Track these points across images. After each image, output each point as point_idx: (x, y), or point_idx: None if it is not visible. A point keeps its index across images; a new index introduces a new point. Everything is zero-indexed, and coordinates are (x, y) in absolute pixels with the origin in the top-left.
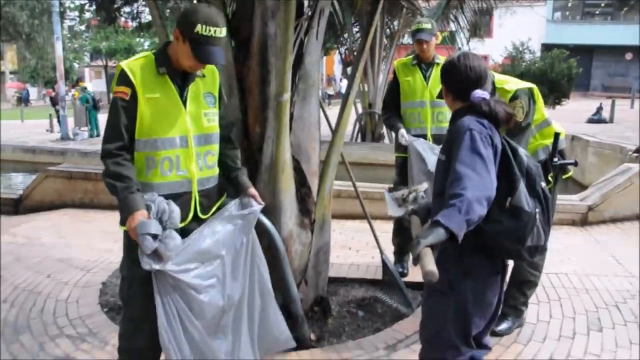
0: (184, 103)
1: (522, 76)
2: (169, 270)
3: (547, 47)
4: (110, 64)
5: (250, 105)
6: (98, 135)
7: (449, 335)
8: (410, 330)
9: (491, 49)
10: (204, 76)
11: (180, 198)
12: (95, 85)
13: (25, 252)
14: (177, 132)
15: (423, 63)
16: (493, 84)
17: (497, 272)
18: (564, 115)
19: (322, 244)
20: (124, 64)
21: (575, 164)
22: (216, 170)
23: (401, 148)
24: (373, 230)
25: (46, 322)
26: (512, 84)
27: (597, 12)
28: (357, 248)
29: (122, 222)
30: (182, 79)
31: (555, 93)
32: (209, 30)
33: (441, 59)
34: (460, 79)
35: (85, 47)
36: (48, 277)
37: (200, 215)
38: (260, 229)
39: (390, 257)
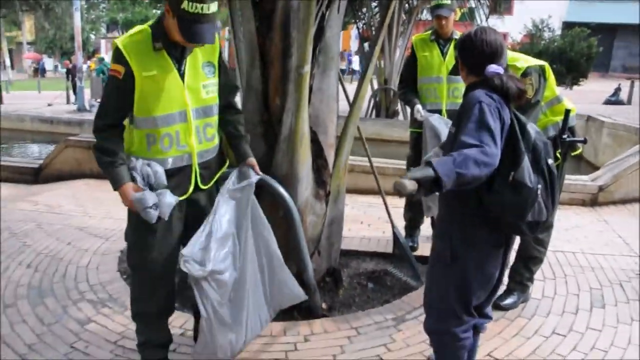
0: (182, 77)
1: (540, 55)
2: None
3: (568, 26)
4: None
5: (271, 77)
6: None
7: (451, 304)
8: (418, 302)
9: (511, 27)
10: (203, 44)
11: (182, 171)
12: (111, 57)
13: (46, 219)
14: (176, 108)
15: (441, 39)
16: None
17: (499, 245)
18: (581, 96)
19: (335, 216)
20: (119, 42)
21: (585, 141)
22: (216, 142)
23: (416, 123)
24: (386, 205)
25: (68, 287)
26: (523, 61)
27: None
28: (368, 222)
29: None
30: (181, 51)
31: (573, 73)
32: (195, 7)
33: (459, 35)
34: (476, 53)
35: (102, 18)
36: (69, 244)
37: (200, 186)
38: (276, 198)
39: (402, 232)
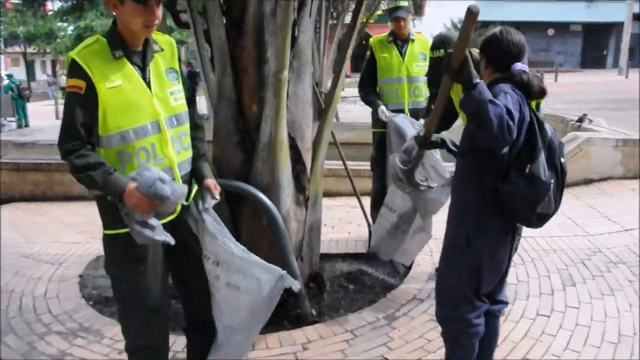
0: (148, 85)
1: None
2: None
3: (480, 24)
4: (29, 50)
5: (245, 84)
6: (27, 126)
7: (464, 289)
8: (404, 299)
9: (422, 27)
10: (162, 50)
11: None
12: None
13: None
14: (147, 119)
15: (399, 40)
16: (478, 63)
17: (508, 232)
18: None
19: (314, 221)
20: (75, 54)
21: None
22: (191, 151)
23: (379, 123)
24: (361, 205)
25: (29, 321)
26: None
27: None
28: (331, 225)
29: (107, 226)
30: (142, 58)
31: None
32: None
33: (416, 36)
34: (503, 53)
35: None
36: (16, 274)
37: (184, 202)
38: (259, 208)
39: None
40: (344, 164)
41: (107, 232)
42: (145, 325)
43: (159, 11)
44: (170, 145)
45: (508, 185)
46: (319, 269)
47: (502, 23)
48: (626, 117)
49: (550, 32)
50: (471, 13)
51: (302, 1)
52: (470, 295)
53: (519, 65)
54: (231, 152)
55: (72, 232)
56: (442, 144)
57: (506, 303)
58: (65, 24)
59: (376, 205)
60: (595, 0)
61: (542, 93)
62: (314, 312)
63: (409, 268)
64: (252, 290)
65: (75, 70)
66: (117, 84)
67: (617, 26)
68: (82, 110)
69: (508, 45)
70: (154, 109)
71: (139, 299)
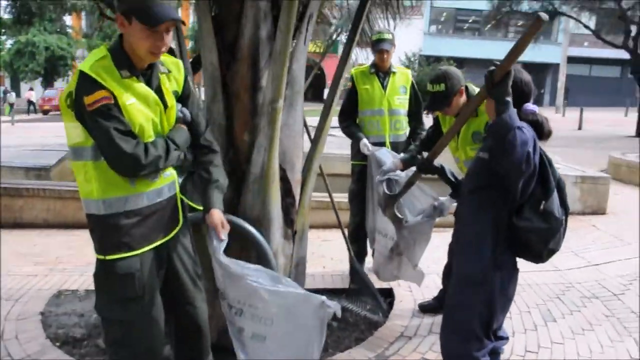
0: (163, 103)
1: (417, 86)
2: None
3: (425, 59)
4: None
5: (237, 111)
6: None
7: (474, 326)
8: (391, 337)
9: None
10: (169, 71)
11: (169, 203)
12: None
13: None
14: (156, 134)
15: (381, 72)
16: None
17: (517, 268)
18: None
19: (301, 256)
20: (86, 68)
21: None
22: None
23: (359, 155)
24: (347, 240)
25: None
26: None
27: (465, 27)
28: None
29: (101, 251)
30: (147, 80)
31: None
32: None
33: (397, 69)
34: (515, 92)
35: None
36: None
37: (182, 220)
38: (250, 242)
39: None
40: (330, 196)
41: (110, 257)
42: None
43: (169, 38)
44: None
45: (523, 221)
46: None
47: (450, 58)
48: (576, 153)
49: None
50: (540, 21)
51: (298, 28)
52: (480, 332)
53: (530, 106)
54: None
55: (28, 263)
56: (442, 171)
57: (507, 338)
58: (4, 37)
59: (355, 239)
60: (535, 42)
61: (549, 134)
62: None
63: (391, 304)
64: (287, 331)
65: (91, 83)
66: (132, 102)
67: (554, 67)
68: (121, 116)
69: (521, 85)
70: (164, 125)
71: (131, 342)
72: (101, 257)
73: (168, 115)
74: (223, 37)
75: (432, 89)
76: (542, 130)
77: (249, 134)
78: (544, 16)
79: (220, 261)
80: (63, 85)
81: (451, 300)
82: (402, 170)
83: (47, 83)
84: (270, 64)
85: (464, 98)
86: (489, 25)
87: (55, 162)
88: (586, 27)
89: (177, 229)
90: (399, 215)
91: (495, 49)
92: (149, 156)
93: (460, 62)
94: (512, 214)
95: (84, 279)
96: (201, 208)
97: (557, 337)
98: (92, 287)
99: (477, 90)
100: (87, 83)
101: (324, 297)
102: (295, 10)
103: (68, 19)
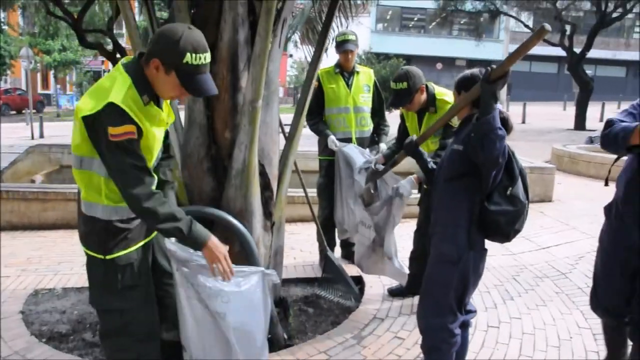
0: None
1: None
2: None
3: (375, 56)
4: None
5: (217, 111)
6: None
7: (450, 300)
8: (365, 319)
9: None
10: None
11: None
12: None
13: None
14: (155, 156)
15: (345, 72)
16: (434, 95)
17: (485, 249)
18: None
19: (279, 246)
20: (119, 101)
21: None
22: None
23: (327, 151)
24: (319, 230)
25: None
26: (449, 96)
27: (411, 25)
28: None
29: (101, 251)
30: (157, 100)
31: None
32: (199, 59)
33: (360, 68)
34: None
35: None
36: None
37: None
38: (233, 233)
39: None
40: (305, 190)
41: (110, 256)
42: (144, 355)
43: None
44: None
45: (494, 205)
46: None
47: (397, 55)
48: (522, 146)
49: (439, 66)
50: (543, 31)
51: (273, 31)
52: (454, 306)
53: (497, 105)
54: (202, 178)
55: None
56: (421, 156)
57: (475, 312)
58: None
59: (325, 230)
60: (479, 40)
61: (512, 129)
62: (285, 335)
63: (362, 290)
64: (244, 304)
65: (122, 116)
66: (151, 128)
67: (496, 63)
68: (137, 152)
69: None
70: (160, 143)
71: (126, 330)
72: (101, 256)
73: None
74: None
75: (396, 87)
76: (507, 126)
77: (230, 132)
78: (548, 27)
79: (168, 248)
80: (1, 85)
81: (429, 278)
82: (383, 164)
83: None
84: (248, 65)
85: (424, 96)
86: (433, 23)
87: (8, 164)
88: (525, 25)
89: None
90: (372, 192)
91: (440, 46)
92: (150, 203)
93: (408, 59)
94: (483, 199)
95: (58, 278)
96: None
97: (515, 313)
98: (68, 285)
99: (436, 88)
100: (115, 115)
101: (262, 268)
102: (273, 16)
103: (2, 15)
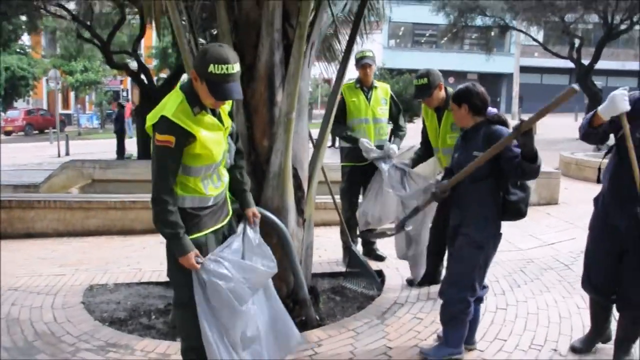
0: (222, 124)
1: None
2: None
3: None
4: None
5: (256, 122)
6: None
7: (473, 279)
8: (387, 304)
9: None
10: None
11: (224, 199)
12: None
13: None
14: (222, 151)
15: (365, 86)
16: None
17: (501, 233)
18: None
19: (310, 241)
20: (170, 114)
21: None
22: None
23: (348, 158)
24: (344, 228)
25: (52, 342)
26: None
27: (423, 41)
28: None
29: (169, 247)
30: (212, 110)
31: (409, 112)
32: (222, 69)
33: (378, 84)
34: (482, 101)
35: None
36: (14, 304)
37: (230, 211)
38: (272, 228)
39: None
40: (332, 196)
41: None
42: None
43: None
44: (224, 174)
45: (511, 195)
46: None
47: (410, 71)
48: None
49: (451, 80)
50: (574, 91)
51: (304, 52)
52: (475, 283)
53: (492, 110)
54: None
55: (52, 266)
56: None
57: (487, 287)
58: None
59: (347, 229)
60: (490, 54)
61: (509, 126)
62: (317, 317)
63: (383, 281)
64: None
65: (169, 127)
66: (205, 134)
67: (508, 76)
68: (173, 159)
69: (483, 95)
70: (225, 141)
71: (193, 303)
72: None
73: (226, 132)
74: (242, 61)
75: (417, 83)
76: (507, 126)
77: (268, 140)
78: (577, 87)
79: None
80: (24, 105)
81: (459, 259)
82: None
83: (7, 104)
84: (283, 83)
85: (442, 93)
86: (445, 39)
87: (44, 179)
88: (535, 40)
89: (229, 217)
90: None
91: (452, 60)
92: (160, 201)
93: None
94: (503, 194)
95: (108, 276)
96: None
97: (522, 298)
98: (118, 281)
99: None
100: (164, 125)
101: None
102: (305, 41)
103: (26, 39)
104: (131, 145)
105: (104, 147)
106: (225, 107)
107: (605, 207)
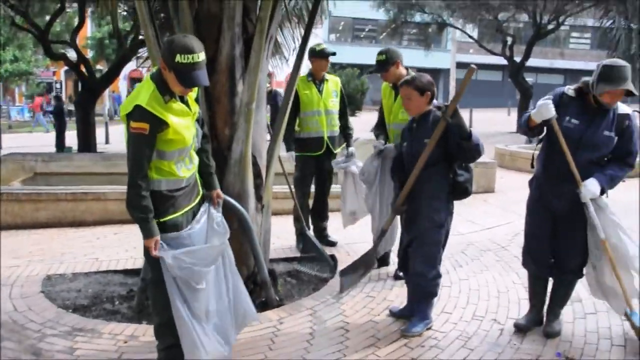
0: (190, 109)
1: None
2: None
3: (331, 66)
4: None
5: (218, 111)
6: None
7: (439, 254)
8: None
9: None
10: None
11: (194, 183)
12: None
13: None
14: (192, 135)
15: (316, 79)
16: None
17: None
18: (359, 125)
19: (267, 226)
20: (144, 103)
21: None
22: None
23: (300, 149)
24: (299, 214)
25: (17, 330)
26: None
27: (362, 36)
28: None
29: (156, 216)
30: (180, 97)
31: (351, 105)
32: (188, 58)
33: (328, 76)
34: (432, 90)
35: None
36: None
37: (201, 192)
38: (233, 212)
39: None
40: (289, 185)
41: (163, 219)
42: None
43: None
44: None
45: (459, 176)
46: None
47: (351, 65)
48: None
49: None
50: (474, 70)
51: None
52: (440, 256)
53: (435, 101)
54: None
55: (5, 258)
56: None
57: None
58: None
59: (297, 217)
60: (428, 50)
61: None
62: (277, 298)
63: (335, 265)
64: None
65: (142, 115)
66: (175, 120)
67: (445, 72)
68: (147, 145)
69: (433, 84)
70: (195, 130)
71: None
72: (156, 220)
73: (194, 117)
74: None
75: (377, 59)
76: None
77: (229, 129)
78: (474, 67)
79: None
80: None
81: (424, 240)
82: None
83: None
84: (243, 75)
85: (399, 70)
86: (384, 34)
87: None
88: (470, 37)
89: (199, 197)
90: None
91: None
92: (135, 185)
93: (361, 68)
94: (452, 176)
95: (65, 266)
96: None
97: (464, 276)
98: (76, 270)
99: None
100: (139, 113)
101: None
102: (265, 35)
103: None
104: (71, 139)
105: (38, 140)
106: (192, 94)
107: (539, 187)
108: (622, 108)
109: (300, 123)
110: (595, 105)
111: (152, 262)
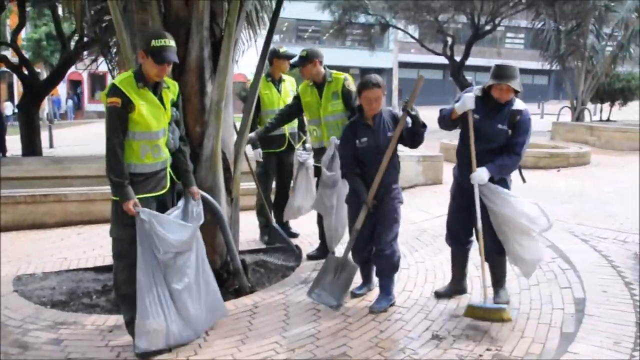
0: (163, 106)
1: None
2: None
3: None
4: None
5: (189, 110)
6: None
7: (398, 228)
8: (307, 272)
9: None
10: (168, 87)
11: (161, 173)
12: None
13: None
14: (160, 126)
15: (274, 80)
16: (330, 74)
17: None
18: None
19: (236, 218)
20: (117, 82)
21: None
22: None
23: (265, 147)
24: (266, 206)
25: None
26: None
27: (306, 36)
28: None
29: (115, 195)
30: (154, 90)
31: None
32: (161, 42)
33: (285, 77)
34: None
35: None
36: None
37: (168, 185)
38: (207, 205)
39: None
40: (255, 181)
41: (115, 197)
42: (131, 277)
43: (168, 69)
44: (165, 146)
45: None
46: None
47: (294, 66)
48: None
49: None
50: (421, 78)
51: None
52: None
53: None
54: None
55: None
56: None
57: None
58: None
59: (260, 212)
60: (374, 50)
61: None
62: (249, 284)
63: (300, 256)
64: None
65: (115, 91)
66: (143, 102)
67: (387, 71)
68: (120, 117)
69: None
70: (165, 120)
71: (126, 256)
72: (114, 198)
73: (166, 114)
74: None
75: (299, 54)
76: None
77: (200, 127)
78: (422, 75)
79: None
80: None
81: (394, 218)
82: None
83: None
84: (212, 75)
85: (317, 69)
86: (327, 34)
87: None
88: (412, 37)
89: (165, 190)
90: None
91: (335, 56)
92: (113, 150)
93: (346, 70)
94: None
95: (34, 266)
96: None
97: (420, 259)
98: (46, 270)
99: (333, 72)
100: (112, 90)
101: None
102: (234, 38)
103: None
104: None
105: None
106: (170, 94)
107: (455, 173)
108: (518, 104)
109: (261, 122)
110: (495, 103)
111: (119, 236)
